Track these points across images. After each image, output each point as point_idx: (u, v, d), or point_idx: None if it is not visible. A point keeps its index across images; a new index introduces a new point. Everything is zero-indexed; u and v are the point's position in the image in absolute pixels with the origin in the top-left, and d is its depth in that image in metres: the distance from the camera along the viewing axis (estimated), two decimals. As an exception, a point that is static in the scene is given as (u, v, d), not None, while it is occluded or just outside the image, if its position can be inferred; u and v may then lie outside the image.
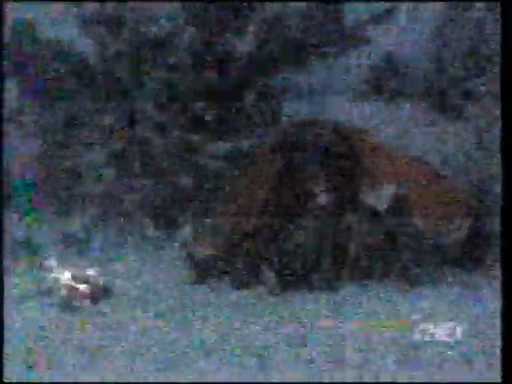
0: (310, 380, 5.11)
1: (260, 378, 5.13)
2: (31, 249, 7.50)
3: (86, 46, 8.11)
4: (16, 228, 7.71)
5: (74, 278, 6.58)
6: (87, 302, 6.44)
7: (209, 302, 6.46)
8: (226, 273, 6.84)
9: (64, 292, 6.48)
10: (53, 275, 6.67)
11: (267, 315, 6.09)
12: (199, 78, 7.85)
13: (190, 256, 7.00)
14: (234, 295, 6.57)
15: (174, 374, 5.19)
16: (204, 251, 6.96)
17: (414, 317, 5.93)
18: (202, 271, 6.92)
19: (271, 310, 6.20)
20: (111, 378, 5.16)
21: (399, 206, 6.76)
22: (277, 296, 6.51)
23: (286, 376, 5.14)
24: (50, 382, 5.13)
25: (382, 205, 6.73)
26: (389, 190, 6.76)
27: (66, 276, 6.58)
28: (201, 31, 7.86)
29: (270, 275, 6.64)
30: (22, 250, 7.47)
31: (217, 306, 6.35)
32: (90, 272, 6.67)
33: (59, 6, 8.37)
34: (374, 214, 6.73)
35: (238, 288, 6.70)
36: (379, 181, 6.81)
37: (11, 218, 7.75)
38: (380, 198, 6.75)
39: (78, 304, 6.42)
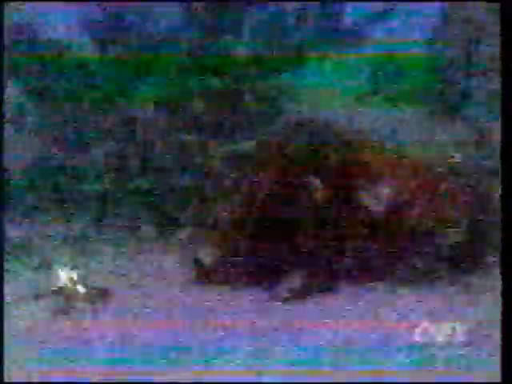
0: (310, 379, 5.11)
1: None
2: (30, 249, 7.50)
3: (85, 46, 8.11)
4: (16, 228, 7.71)
5: (72, 279, 6.57)
6: (86, 304, 6.43)
7: (211, 304, 6.45)
8: (229, 275, 6.84)
9: (62, 294, 6.47)
10: (51, 276, 6.67)
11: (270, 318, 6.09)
12: (198, 79, 7.85)
13: (194, 258, 7.00)
14: (236, 297, 6.56)
15: (174, 375, 5.19)
16: (206, 253, 6.96)
17: (414, 317, 5.93)
18: (205, 273, 6.91)
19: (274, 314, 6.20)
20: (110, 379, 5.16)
21: (397, 207, 6.77)
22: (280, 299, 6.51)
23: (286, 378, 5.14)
24: (50, 382, 5.13)
25: (379, 205, 6.74)
26: (386, 191, 6.77)
27: (64, 277, 6.57)
28: (200, 32, 7.87)
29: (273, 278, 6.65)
30: (22, 250, 7.47)
31: (220, 308, 6.34)
32: (89, 274, 6.67)
33: (59, 7, 8.36)
34: (372, 214, 6.75)
35: (239, 290, 6.70)
36: (377, 181, 6.83)
37: (11, 218, 7.76)
38: (377, 198, 6.76)
39: (76, 306, 6.41)
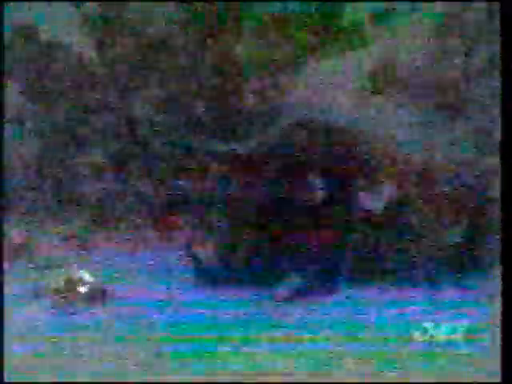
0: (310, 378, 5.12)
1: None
2: (30, 250, 7.50)
3: (85, 46, 8.11)
4: (16, 229, 7.71)
5: (72, 280, 6.57)
6: (85, 305, 6.42)
7: (213, 304, 6.44)
8: (227, 275, 6.84)
9: (62, 294, 6.46)
10: (51, 277, 6.67)
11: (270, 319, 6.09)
12: (198, 79, 7.85)
13: (193, 258, 7.01)
14: (235, 298, 6.56)
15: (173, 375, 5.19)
16: (206, 254, 6.97)
17: (414, 317, 5.94)
18: (205, 273, 6.92)
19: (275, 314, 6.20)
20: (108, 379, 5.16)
21: (397, 207, 6.77)
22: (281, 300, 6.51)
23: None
24: (50, 382, 5.13)
25: (380, 206, 6.75)
26: (387, 191, 6.77)
27: (64, 278, 6.57)
28: (199, 32, 7.87)
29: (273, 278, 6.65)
30: (21, 250, 7.47)
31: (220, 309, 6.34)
32: (89, 274, 6.66)
33: (59, 7, 8.37)
34: (372, 214, 6.76)
35: (238, 291, 6.70)
36: (377, 182, 6.83)
37: (11, 218, 7.75)
38: (378, 198, 6.76)
39: (76, 306, 6.40)
